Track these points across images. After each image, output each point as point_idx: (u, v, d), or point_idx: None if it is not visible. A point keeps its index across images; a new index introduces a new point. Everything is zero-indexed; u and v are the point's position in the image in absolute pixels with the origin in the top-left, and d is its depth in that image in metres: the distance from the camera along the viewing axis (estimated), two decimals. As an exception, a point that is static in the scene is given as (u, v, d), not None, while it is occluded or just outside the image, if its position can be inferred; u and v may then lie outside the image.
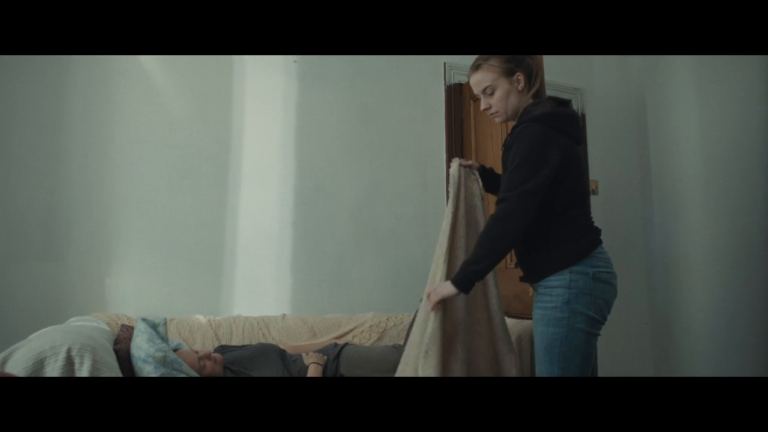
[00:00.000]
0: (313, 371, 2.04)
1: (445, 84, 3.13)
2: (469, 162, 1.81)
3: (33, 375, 1.46)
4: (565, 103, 1.58)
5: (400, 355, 1.69)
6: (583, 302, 1.46)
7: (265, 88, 2.75)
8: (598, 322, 1.49)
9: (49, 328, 1.76)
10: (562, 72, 3.35)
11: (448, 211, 1.73)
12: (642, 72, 3.41)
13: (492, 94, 1.59)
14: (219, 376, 1.96)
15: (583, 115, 3.45)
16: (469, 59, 1.68)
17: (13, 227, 2.27)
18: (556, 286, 1.48)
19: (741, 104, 2.70)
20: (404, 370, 1.61)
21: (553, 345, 1.47)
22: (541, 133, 1.47)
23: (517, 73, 1.57)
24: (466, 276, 1.51)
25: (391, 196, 2.94)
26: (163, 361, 1.78)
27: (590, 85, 3.53)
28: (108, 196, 2.42)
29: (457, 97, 3.11)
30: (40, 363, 1.48)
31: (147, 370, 1.76)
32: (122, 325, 2.06)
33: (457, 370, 1.59)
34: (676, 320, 3.07)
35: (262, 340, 2.36)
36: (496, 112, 1.61)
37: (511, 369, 1.70)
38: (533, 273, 1.57)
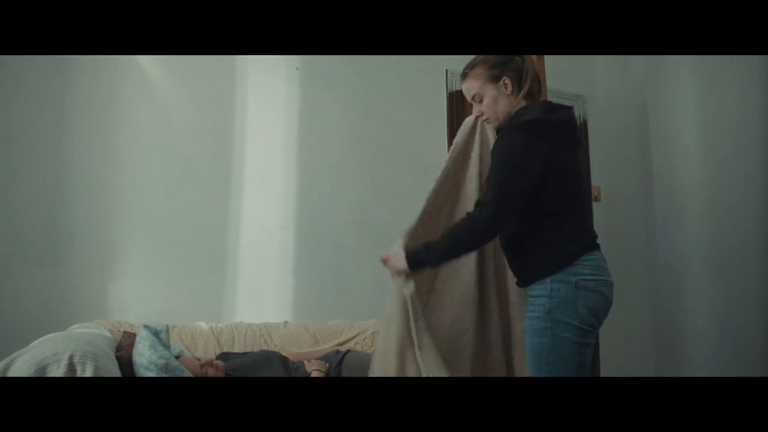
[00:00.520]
0: (315, 378, 2.03)
1: (446, 91, 3.14)
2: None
3: (35, 382, 1.45)
4: (560, 108, 1.57)
5: None
6: (565, 311, 1.43)
7: (267, 92, 2.76)
8: (586, 332, 1.44)
9: (51, 334, 1.76)
10: (564, 79, 3.35)
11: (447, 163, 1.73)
12: (643, 78, 3.42)
13: (481, 101, 1.60)
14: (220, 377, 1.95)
15: (585, 122, 3.45)
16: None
17: (15, 233, 2.28)
18: (538, 295, 1.47)
19: (742, 109, 2.70)
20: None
21: (541, 355, 1.45)
22: (522, 140, 1.45)
23: (503, 78, 1.56)
24: (420, 259, 1.50)
25: (394, 202, 2.94)
26: (165, 368, 1.77)
27: (592, 92, 3.54)
28: (110, 202, 2.43)
29: (459, 103, 3.13)
30: (42, 370, 1.48)
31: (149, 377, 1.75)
32: (124, 332, 2.06)
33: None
34: (678, 324, 3.06)
35: (264, 347, 2.35)
36: (488, 118, 1.62)
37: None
38: (520, 279, 1.58)
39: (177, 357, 1.98)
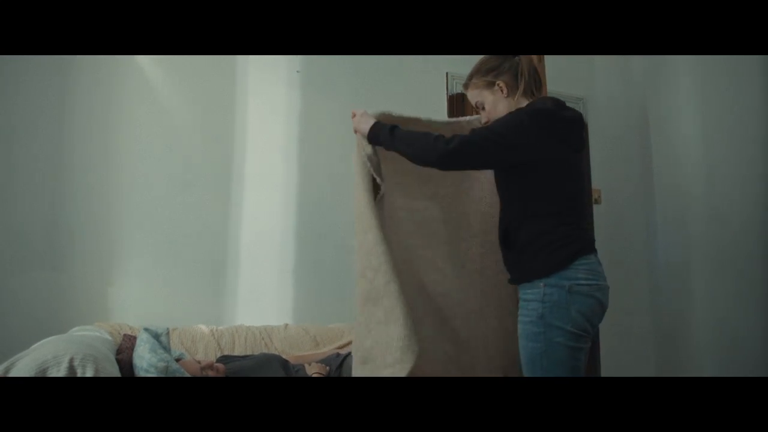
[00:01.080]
0: (316, 380, 2.03)
1: (447, 94, 3.14)
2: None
3: (35, 385, 1.45)
4: (571, 108, 1.57)
5: None
6: (558, 316, 1.42)
7: (267, 93, 2.76)
8: (579, 336, 1.43)
9: (51, 337, 1.76)
10: (564, 82, 3.35)
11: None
12: (643, 78, 3.42)
13: (483, 108, 1.66)
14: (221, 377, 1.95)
15: (586, 124, 3.45)
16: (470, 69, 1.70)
17: (15, 236, 2.27)
18: (531, 300, 1.46)
19: (742, 109, 2.70)
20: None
21: (534, 359, 1.45)
22: (527, 122, 1.45)
23: (497, 83, 1.60)
24: (379, 138, 1.59)
25: (394, 204, 2.93)
26: (165, 371, 1.77)
27: (592, 94, 3.54)
28: (111, 205, 2.42)
29: (459, 106, 3.12)
30: (43, 372, 1.48)
31: (149, 379, 1.75)
32: (125, 334, 2.06)
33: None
34: (678, 324, 3.06)
35: (265, 350, 2.35)
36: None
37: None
38: (512, 276, 1.59)
39: (177, 360, 1.98)
